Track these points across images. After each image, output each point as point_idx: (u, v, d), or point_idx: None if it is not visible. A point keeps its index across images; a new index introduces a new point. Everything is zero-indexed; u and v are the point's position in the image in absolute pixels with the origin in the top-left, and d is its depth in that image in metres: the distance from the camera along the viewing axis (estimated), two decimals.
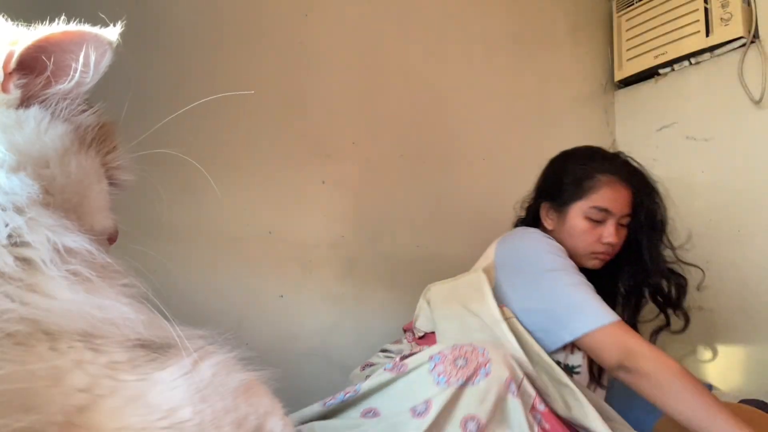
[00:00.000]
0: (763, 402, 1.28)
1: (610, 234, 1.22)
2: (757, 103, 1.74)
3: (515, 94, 1.94)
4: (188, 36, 1.33)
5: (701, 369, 1.83)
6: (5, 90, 0.39)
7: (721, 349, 1.80)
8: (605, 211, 1.22)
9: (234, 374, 0.38)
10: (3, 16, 0.43)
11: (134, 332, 0.36)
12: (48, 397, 0.29)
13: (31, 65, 0.40)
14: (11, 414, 0.26)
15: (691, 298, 1.88)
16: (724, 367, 1.79)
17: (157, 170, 1.22)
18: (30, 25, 0.42)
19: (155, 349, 0.36)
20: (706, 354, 1.83)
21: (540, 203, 1.34)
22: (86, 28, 0.41)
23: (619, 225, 1.25)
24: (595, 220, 1.22)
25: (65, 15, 0.43)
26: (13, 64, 0.39)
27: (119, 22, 0.43)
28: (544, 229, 1.32)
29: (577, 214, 1.24)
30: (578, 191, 1.24)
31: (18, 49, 0.39)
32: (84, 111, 0.44)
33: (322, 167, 1.48)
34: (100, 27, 0.42)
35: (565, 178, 1.28)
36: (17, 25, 0.43)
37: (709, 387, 1.63)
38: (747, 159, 1.77)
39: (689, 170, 1.92)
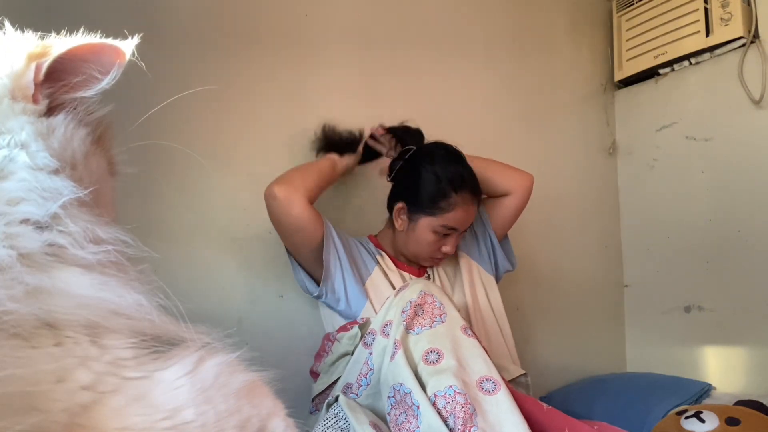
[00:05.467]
0: (759, 403, 1.28)
1: (451, 246, 1.31)
2: (757, 103, 1.74)
3: (515, 94, 1.93)
4: (188, 36, 1.33)
5: (701, 369, 1.83)
6: (36, 101, 0.42)
7: (721, 349, 1.80)
8: (453, 229, 1.28)
9: (237, 375, 0.38)
10: (18, 27, 0.46)
11: (147, 320, 0.37)
12: (52, 396, 0.29)
13: (56, 76, 0.43)
14: (12, 416, 0.26)
15: (692, 298, 1.89)
16: (724, 367, 1.79)
17: (157, 171, 1.22)
18: (44, 33, 0.45)
19: (161, 345, 0.37)
20: (706, 354, 1.83)
21: (396, 201, 1.34)
22: (106, 40, 0.44)
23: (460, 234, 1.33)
24: (441, 234, 1.28)
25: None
26: (41, 77, 0.42)
27: (136, 36, 0.46)
28: (392, 225, 1.36)
29: (426, 227, 1.28)
30: (432, 208, 1.27)
31: (46, 63, 0.42)
32: (94, 111, 0.47)
33: None
34: (120, 39, 0.46)
35: (422, 189, 1.29)
36: (25, 30, 0.45)
37: (709, 387, 1.63)
38: (747, 159, 1.77)
39: (689, 170, 1.92)
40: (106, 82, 0.45)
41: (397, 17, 1.69)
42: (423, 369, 0.92)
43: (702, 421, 1.18)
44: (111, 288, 0.37)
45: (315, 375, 1.25)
